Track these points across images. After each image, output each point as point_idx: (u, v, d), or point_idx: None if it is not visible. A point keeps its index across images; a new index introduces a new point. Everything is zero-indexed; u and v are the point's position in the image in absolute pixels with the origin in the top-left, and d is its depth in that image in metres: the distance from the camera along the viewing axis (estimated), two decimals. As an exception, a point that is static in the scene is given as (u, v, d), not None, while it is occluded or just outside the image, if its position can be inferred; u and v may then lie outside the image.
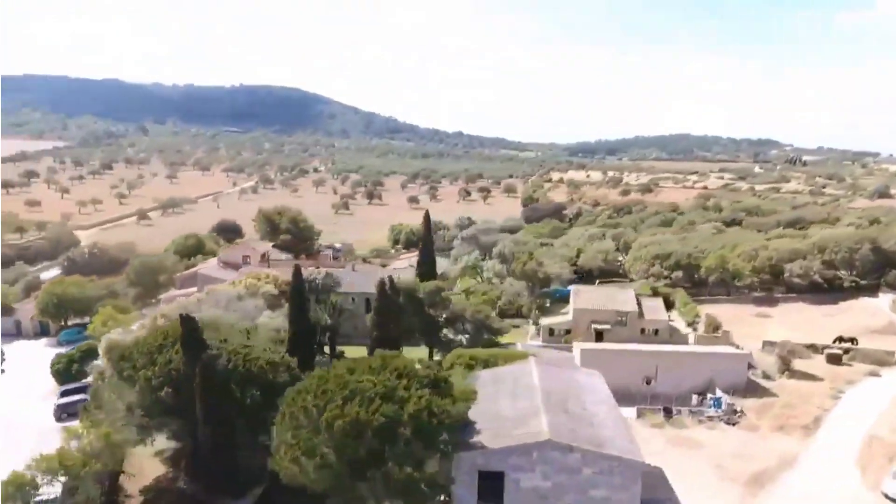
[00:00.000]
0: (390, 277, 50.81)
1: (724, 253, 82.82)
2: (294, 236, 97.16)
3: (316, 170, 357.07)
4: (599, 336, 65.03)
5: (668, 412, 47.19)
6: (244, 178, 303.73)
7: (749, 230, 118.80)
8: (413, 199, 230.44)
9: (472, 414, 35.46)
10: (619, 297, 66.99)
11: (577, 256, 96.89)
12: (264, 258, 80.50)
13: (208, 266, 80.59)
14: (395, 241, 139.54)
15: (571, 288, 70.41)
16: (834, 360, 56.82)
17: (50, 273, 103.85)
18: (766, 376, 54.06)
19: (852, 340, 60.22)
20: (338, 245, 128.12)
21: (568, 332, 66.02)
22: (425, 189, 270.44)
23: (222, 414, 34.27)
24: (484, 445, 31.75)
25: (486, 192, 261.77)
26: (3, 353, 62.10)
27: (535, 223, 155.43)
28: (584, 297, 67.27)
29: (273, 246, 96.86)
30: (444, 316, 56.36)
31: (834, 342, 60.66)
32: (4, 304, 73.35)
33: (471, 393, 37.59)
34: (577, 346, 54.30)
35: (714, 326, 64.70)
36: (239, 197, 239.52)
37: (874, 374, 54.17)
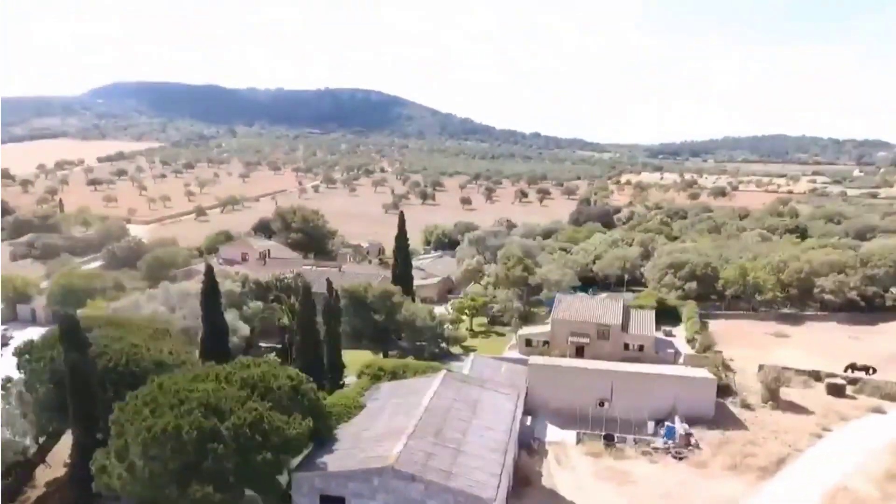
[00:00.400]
0: (328, 279, 49.12)
1: (747, 264, 74.72)
2: (306, 234, 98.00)
3: (382, 170, 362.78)
4: (580, 350, 60.32)
5: (609, 439, 42.41)
6: (311, 177, 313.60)
7: (816, 239, 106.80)
8: (466, 201, 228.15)
9: (346, 430, 33.35)
10: (604, 309, 61.75)
11: (594, 262, 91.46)
12: (262, 256, 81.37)
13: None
14: (427, 242, 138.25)
15: (556, 296, 65.79)
16: (835, 391, 49.20)
17: (93, 265, 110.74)
18: (746, 405, 47.57)
19: (867, 369, 51.98)
20: (365, 244, 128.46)
21: (546, 343, 61.70)
22: (482, 190, 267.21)
23: (92, 414, 33.89)
24: (326, 467, 29.42)
25: (544, 193, 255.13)
26: (3, 338, 66.19)
27: (579, 226, 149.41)
28: (566, 307, 62.56)
29: (287, 244, 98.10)
30: (401, 322, 54.00)
31: (846, 370, 52.70)
32: (24, 293, 78.48)
33: (346, 408, 35.44)
34: (531, 361, 50.26)
35: (706, 345, 58.20)
36: (299, 196, 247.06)
37: (879, 410, 46.26)
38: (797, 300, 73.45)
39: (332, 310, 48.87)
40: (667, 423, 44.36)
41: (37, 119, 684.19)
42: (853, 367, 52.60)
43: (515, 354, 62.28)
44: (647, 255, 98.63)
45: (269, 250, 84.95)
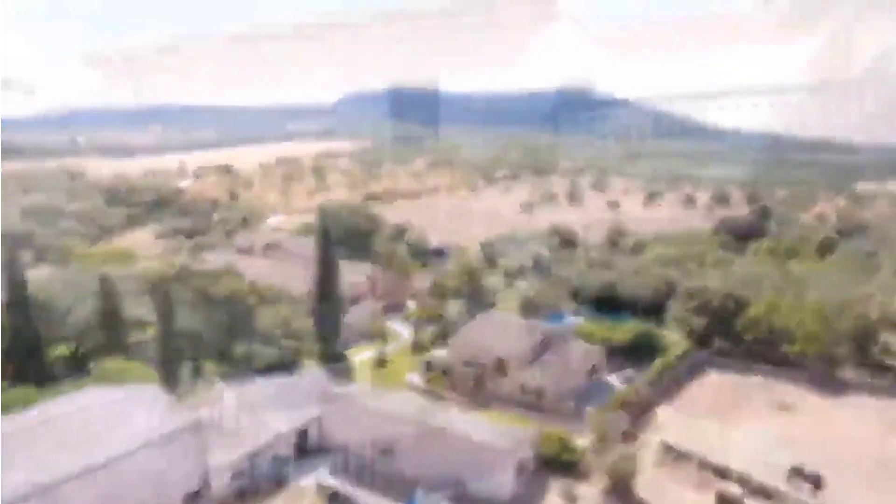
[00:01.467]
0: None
1: (781, 302, 53.94)
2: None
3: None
4: (479, 382, 49.77)
5: (334, 499, 33.70)
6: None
7: None
8: (613, 204, 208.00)
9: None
10: (508, 338, 49.76)
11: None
12: (267, 248, 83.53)
13: (224, 251, 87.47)
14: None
15: (478, 316, 55.00)
16: (725, 503, 32.36)
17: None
18: (570, 496, 33.86)
19: (816, 480, 33.20)
20: (434, 243, 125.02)
21: (445, 371, 52.08)
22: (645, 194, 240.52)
23: None
24: None
25: (719, 200, 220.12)
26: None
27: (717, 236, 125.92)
28: (470, 331, 51.97)
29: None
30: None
31: (789, 476, 34.45)
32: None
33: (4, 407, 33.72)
34: (333, 391, 42.57)
35: (620, 401, 43.28)
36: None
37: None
38: (852, 359, 50.73)
39: (163, 307, 47.52)
40: (420, 493, 33.82)
41: (292, 123, 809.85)
42: (799, 472, 34.09)
43: (416, 380, 54.00)
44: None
45: (280, 242, 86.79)
